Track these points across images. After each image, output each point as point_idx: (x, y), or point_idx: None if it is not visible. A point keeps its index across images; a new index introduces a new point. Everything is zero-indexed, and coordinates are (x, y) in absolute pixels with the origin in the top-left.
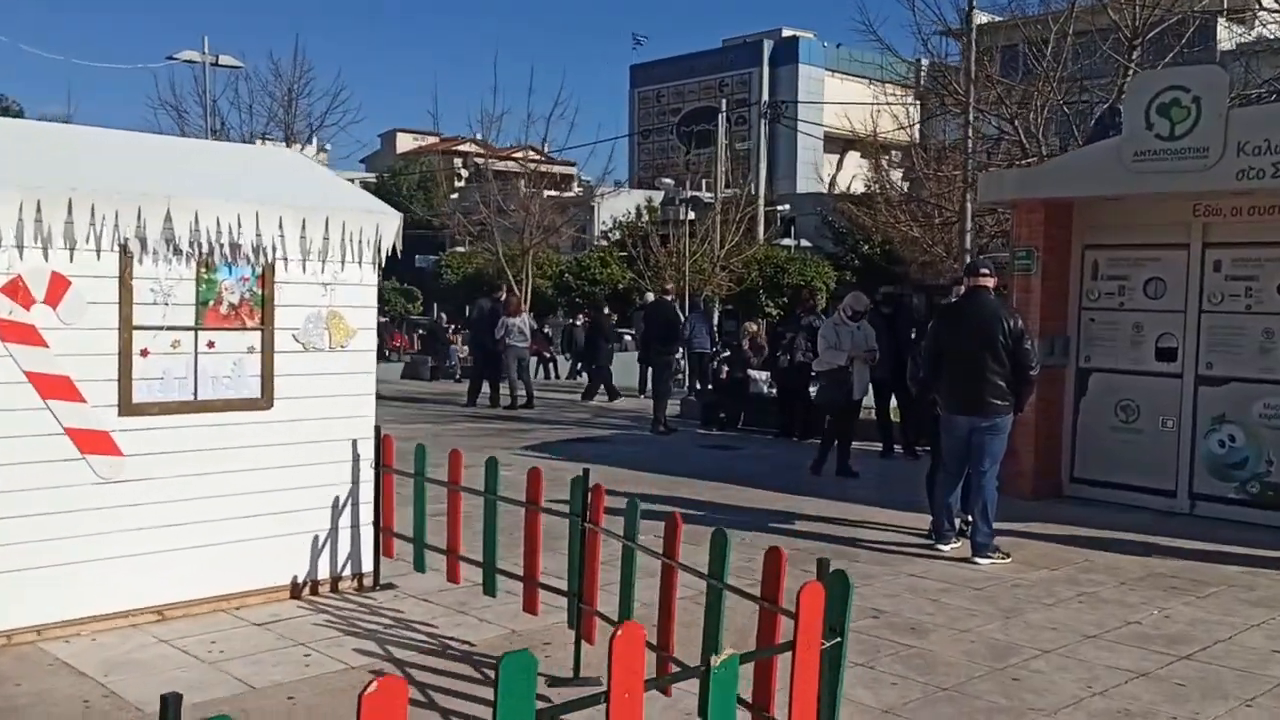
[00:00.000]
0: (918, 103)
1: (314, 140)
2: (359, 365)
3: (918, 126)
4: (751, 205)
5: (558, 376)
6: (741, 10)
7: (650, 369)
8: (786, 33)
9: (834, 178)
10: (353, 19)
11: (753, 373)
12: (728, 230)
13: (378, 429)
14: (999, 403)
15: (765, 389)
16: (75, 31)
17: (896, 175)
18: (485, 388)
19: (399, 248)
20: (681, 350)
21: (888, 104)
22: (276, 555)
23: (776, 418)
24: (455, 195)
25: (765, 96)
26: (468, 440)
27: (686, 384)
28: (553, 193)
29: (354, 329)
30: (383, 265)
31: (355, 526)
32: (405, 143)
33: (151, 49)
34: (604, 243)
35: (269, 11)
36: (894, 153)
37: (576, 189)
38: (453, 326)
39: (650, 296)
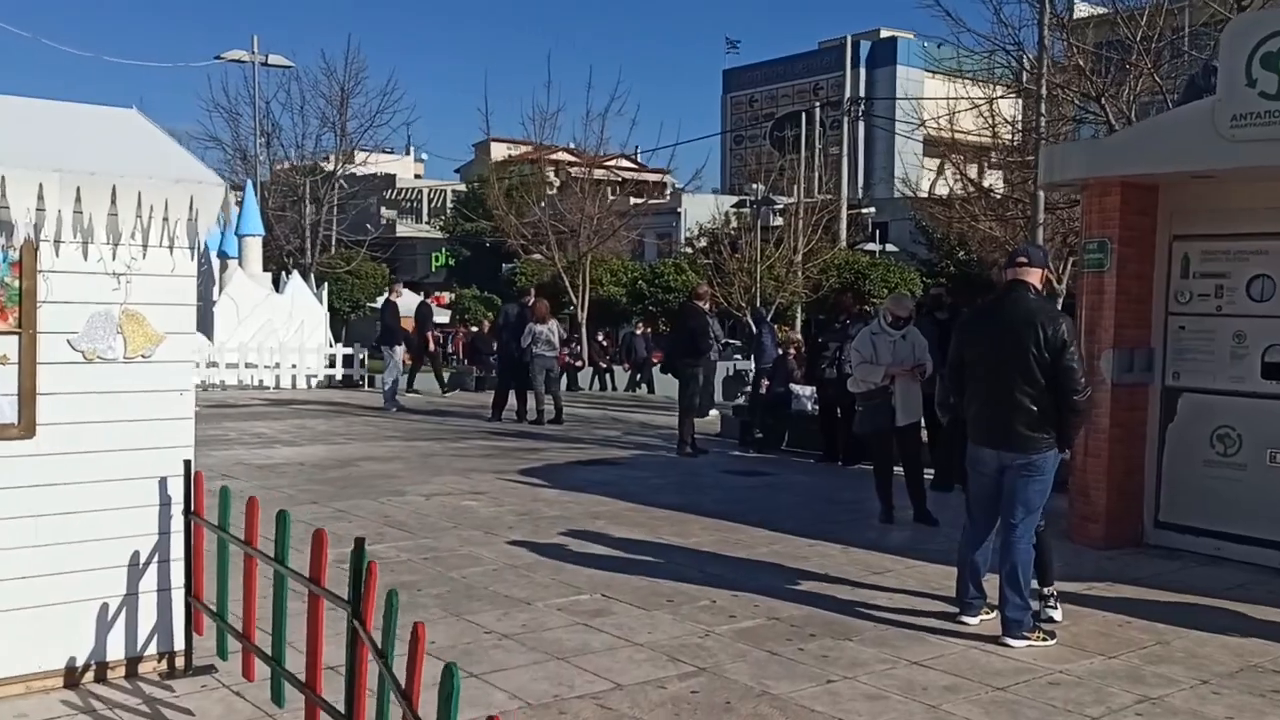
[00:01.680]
0: (1019, 100)
1: (410, 150)
2: (169, 381)
3: (1017, 125)
4: (829, 208)
5: (614, 388)
6: (839, 11)
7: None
8: (885, 33)
9: (932, 182)
10: (439, 28)
11: (795, 387)
12: (807, 234)
13: (187, 464)
14: (1034, 434)
15: (809, 406)
16: (137, 33)
17: (987, 177)
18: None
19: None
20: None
21: (974, 99)
22: (46, 630)
23: (820, 439)
24: (544, 204)
25: (848, 95)
26: (463, 460)
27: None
28: (639, 200)
29: (160, 333)
30: (201, 249)
31: (165, 591)
32: (500, 152)
33: (204, 51)
34: (688, 250)
35: (329, 13)
36: (992, 154)
37: (667, 197)
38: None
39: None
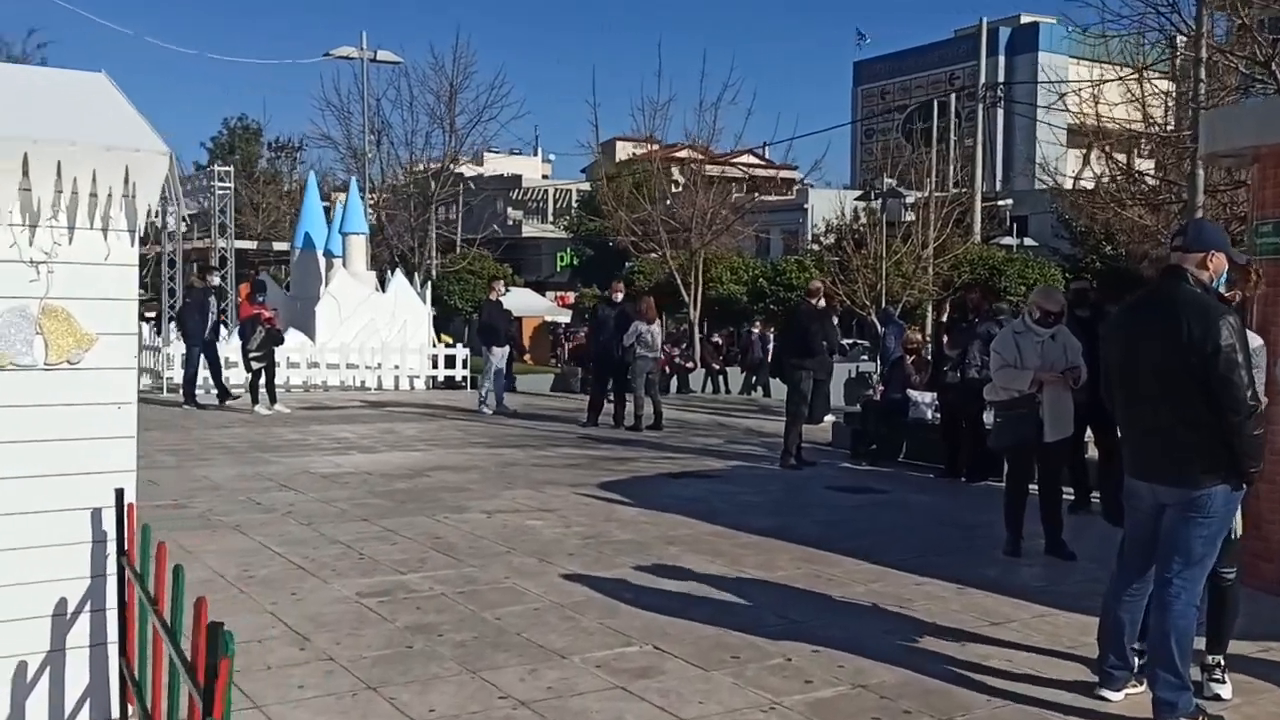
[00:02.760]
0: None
1: (538, 151)
2: (103, 391)
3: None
4: (960, 200)
5: (728, 391)
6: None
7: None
8: (1025, 19)
9: (1078, 171)
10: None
11: (913, 393)
12: (937, 228)
13: (119, 494)
14: (1194, 465)
15: (929, 414)
16: (245, 31)
17: (1138, 163)
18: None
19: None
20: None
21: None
22: None
23: (941, 451)
24: (669, 202)
25: (983, 81)
26: (542, 470)
27: None
28: (770, 197)
29: (91, 334)
30: (141, 231)
31: (101, 645)
32: (625, 151)
33: (313, 48)
34: (814, 246)
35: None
36: (1143, 141)
37: (793, 193)
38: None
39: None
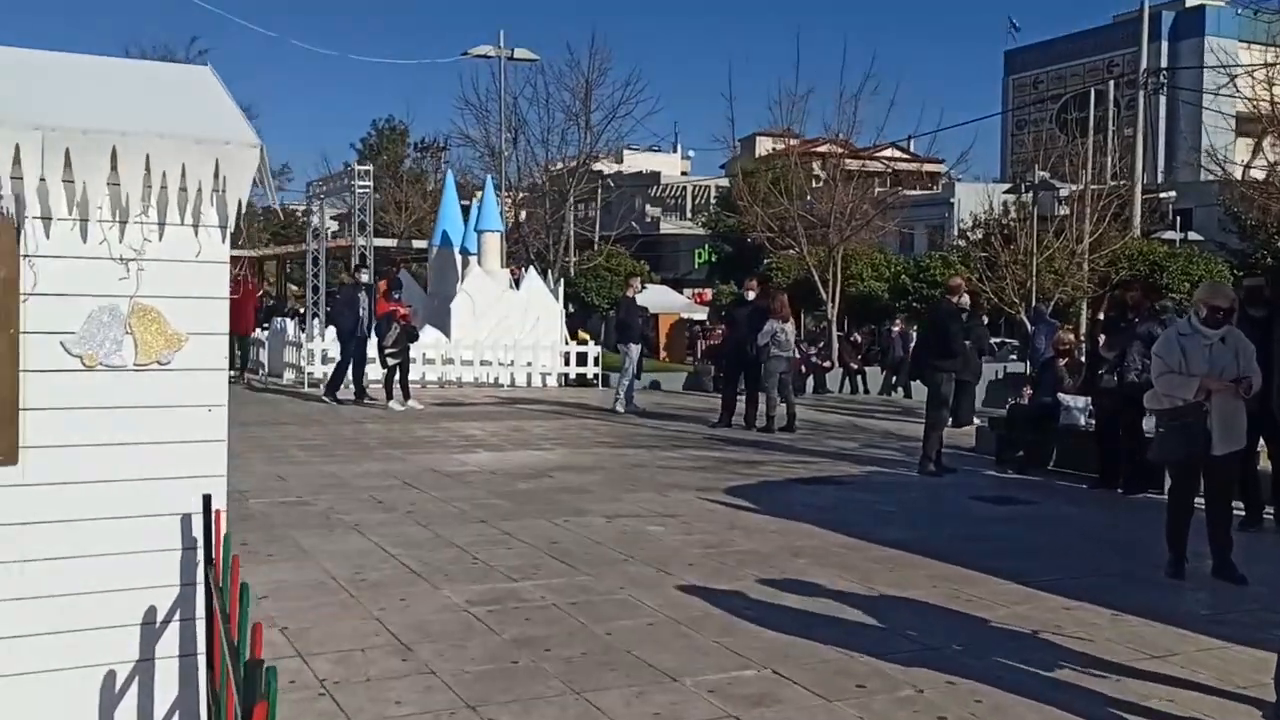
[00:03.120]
0: None
1: (678, 147)
2: (193, 393)
3: None
4: (1118, 193)
5: (866, 391)
6: None
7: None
8: (1191, 2)
9: (1248, 160)
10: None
11: (1065, 397)
12: (1093, 222)
13: (206, 500)
14: None
15: (1082, 420)
16: (384, 32)
17: None
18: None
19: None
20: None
21: None
22: (34, 705)
23: (1096, 459)
24: (808, 198)
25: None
26: (667, 473)
27: None
28: (915, 192)
29: (181, 334)
30: (232, 227)
31: (191, 656)
32: (765, 146)
33: (450, 48)
34: (960, 242)
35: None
36: None
37: (939, 188)
38: None
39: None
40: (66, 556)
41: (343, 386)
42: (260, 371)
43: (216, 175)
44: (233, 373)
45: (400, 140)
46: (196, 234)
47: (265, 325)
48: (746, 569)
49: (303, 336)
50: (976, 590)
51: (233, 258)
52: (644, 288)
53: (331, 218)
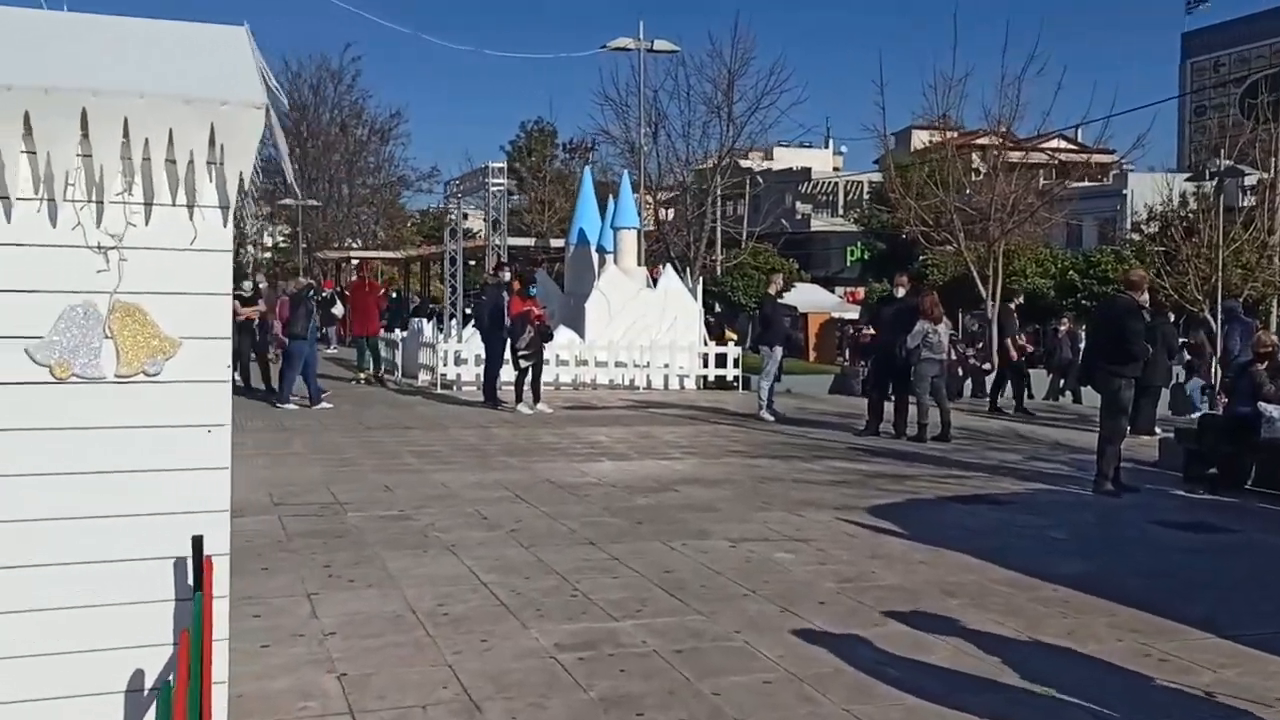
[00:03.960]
0: None
1: (829, 143)
2: (189, 411)
3: None
4: None
5: (1031, 396)
6: None
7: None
8: None
9: None
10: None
11: (1266, 406)
12: None
13: (196, 541)
14: None
15: None
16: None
17: None
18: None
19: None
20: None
21: None
22: None
23: None
24: (968, 191)
25: None
26: (803, 489)
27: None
28: (1084, 184)
29: (174, 338)
30: (234, 207)
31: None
32: (920, 140)
33: (588, 42)
34: (1135, 235)
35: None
36: None
37: (1110, 179)
38: None
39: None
40: (29, 610)
41: (470, 387)
42: (395, 373)
43: (213, 143)
44: (364, 375)
45: (549, 141)
46: (191, 216)
47: (388, 325)
48: (886, 608)
49: (439, 337)
50: (1170, 645)
51: (357, 259)
52: (791, 286)
53: (482, 220)
